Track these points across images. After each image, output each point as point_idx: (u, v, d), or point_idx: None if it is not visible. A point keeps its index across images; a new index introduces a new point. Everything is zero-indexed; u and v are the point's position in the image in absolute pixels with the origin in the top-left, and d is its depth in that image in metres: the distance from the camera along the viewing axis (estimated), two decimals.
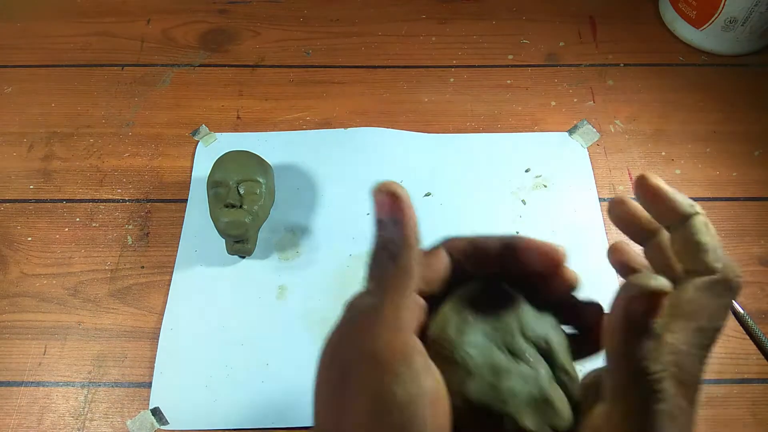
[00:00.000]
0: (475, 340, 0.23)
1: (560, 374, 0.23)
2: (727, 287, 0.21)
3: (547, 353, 0.23)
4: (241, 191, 0.42)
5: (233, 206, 0.42)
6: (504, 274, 0.24)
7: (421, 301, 0.24)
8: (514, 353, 0.23)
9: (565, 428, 0.21)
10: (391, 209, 0.21)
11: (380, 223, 0.21)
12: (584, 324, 0.25)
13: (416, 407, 0.20)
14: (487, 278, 0.25)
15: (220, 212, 0.41)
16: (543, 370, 0.22)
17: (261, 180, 0.43)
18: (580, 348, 0.24)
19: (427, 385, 0.21)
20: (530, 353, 0.22)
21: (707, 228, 0.22)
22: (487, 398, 0.22)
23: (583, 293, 0.25)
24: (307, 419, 0.37)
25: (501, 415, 0.21)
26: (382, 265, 0.21)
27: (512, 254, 0.24)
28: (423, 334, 0.23)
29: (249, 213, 0.41)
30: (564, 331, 0.24)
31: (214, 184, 0.43)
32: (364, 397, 0.20)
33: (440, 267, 0.24)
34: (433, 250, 0.25)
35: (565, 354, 0.23)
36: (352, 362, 0.21)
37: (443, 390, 0.22)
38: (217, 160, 0.44)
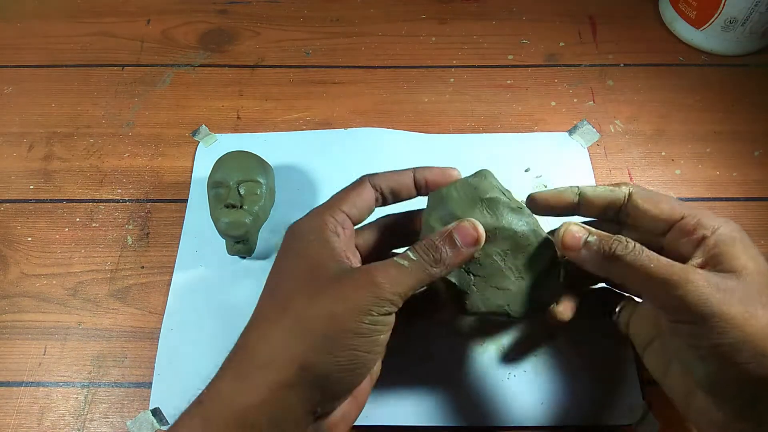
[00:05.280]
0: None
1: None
2: None
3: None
4: (242, 192, 0.42)
5: (233, 207, 0.41)
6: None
7: (348, 221, 0.31)
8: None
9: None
10: None
11: None
12: None
13: (310, 236, 0.30)
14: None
15: (220, 213, 0.41)
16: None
17: (261, 180, 0.43)
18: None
19: (333, 241, 0.30)
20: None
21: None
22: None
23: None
24: None
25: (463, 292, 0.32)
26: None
27: (422, 178, 0.33)
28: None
29: (249, 213, 0.41)
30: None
31: (214, 184, 0.43)
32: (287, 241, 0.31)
33: (367, 197, 0.32)
34: (358, 182, 0.32)
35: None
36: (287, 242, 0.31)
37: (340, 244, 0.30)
38: (217, 161, 0.44)
